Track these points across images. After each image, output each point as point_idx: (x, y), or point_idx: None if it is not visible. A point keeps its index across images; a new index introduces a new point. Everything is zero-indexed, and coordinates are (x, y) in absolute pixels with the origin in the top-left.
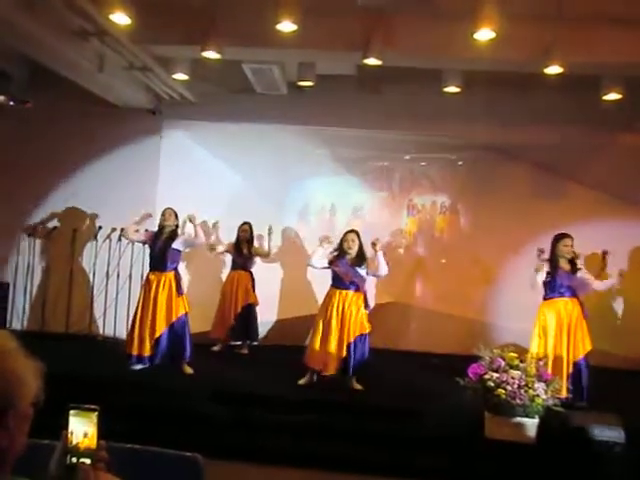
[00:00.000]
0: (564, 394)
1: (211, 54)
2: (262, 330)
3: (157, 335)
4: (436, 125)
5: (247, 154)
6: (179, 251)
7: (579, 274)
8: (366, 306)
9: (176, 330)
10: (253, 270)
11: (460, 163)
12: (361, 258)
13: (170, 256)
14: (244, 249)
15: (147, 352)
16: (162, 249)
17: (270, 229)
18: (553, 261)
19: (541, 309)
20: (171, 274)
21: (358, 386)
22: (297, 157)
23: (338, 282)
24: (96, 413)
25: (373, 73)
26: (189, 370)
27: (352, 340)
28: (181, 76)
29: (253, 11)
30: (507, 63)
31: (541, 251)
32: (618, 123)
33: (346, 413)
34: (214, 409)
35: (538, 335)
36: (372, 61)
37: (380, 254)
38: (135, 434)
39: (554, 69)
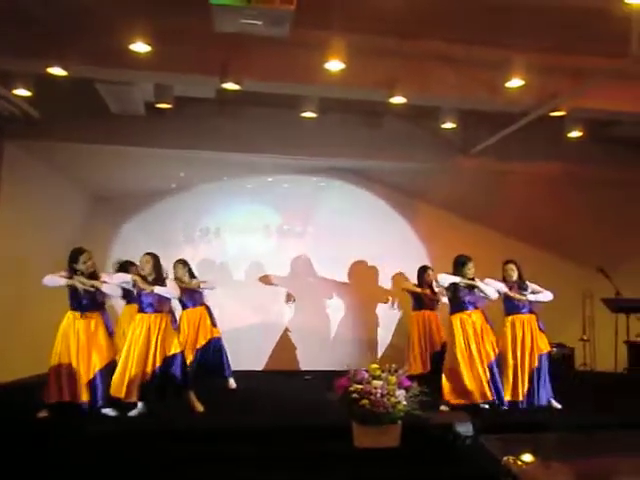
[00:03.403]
0: (489, 398)
1: (57, 70)
2: None
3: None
4: (295, 148)
5: (100, 177)
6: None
7: (476, 290)
8: (173, 323)
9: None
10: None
11: (322, 184)
12: (155, 280)
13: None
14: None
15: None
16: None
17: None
18: (455, 282)
19: (450, 324)
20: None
21: (199, 407)
22: (156, 180)
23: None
24: None
25: (233, 97)
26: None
27: (160, 363)
28: (23, 92)
29: (105, 29)
30: (357, 92)
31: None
32: (456, 149)
33: (200, 439)
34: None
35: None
36: (230, 85)
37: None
38: None
39: (398, 99)
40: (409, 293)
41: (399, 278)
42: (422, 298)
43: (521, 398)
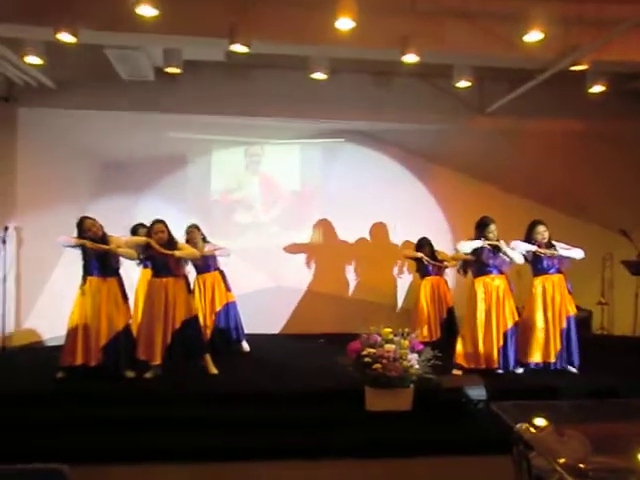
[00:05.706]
0: (495, 365)
1: (66, 37)
2: None
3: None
4: (308, 110)
5: (113, 143)
6: None
7: (501, 253)
8: (188, 290)
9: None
10: None
11: (334, 147)
12: (171, 245)
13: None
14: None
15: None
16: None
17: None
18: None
19: (472, 286)
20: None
21: (214, 370)
22: (168, 146)
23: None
24: None
25: (242, 60)
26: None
27: (178, 326)
28: (35, 60)
29: None
30: (368, 51)
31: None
32: (471, 108)
33: (217, 402)
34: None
35: (473, 310)
36: (239, 48)
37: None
38: None
39: (411, 57)
40: (413, 260)
41: (403, 246)
42: (426, 265)
43: (553, 360)
